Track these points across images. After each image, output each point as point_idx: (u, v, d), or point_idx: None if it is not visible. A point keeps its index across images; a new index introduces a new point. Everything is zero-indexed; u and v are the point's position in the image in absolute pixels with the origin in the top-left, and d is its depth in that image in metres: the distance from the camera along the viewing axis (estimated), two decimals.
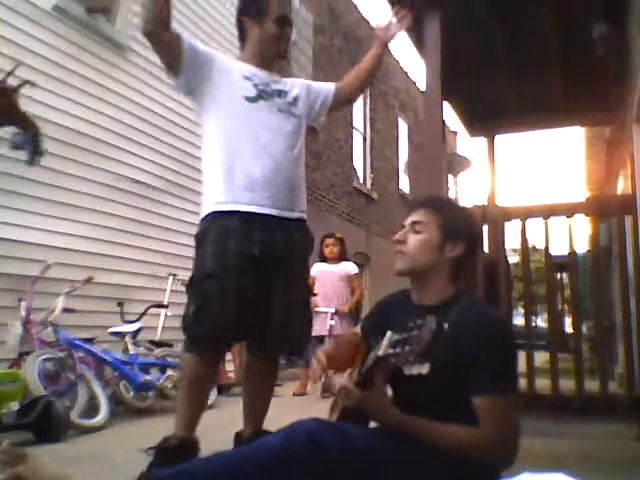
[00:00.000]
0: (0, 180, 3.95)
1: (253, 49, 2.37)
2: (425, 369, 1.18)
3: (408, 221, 1.57)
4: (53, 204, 4.34)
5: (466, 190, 39.40)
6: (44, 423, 2.97)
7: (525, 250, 3.44)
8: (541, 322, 13.50)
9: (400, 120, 13.34)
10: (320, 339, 5.05)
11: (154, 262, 5.24)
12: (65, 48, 4.57)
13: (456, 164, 15.37)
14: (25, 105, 3.19)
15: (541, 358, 4.73)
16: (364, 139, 11.47)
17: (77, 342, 3.71)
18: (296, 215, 2.28)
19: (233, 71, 2.30)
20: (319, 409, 1.62)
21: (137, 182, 5.16)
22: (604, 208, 3.36)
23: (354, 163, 10.87)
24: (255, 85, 2.28)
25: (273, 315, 2.17)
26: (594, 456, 2.60)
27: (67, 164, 4.45)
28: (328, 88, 2.53)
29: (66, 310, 3.77)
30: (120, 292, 4.72)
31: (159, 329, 4.82)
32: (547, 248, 3.40)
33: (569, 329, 10.80)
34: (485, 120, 5.47)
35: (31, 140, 2.58)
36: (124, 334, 4.22)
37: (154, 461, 2.00)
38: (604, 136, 7.98)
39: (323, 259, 5.51)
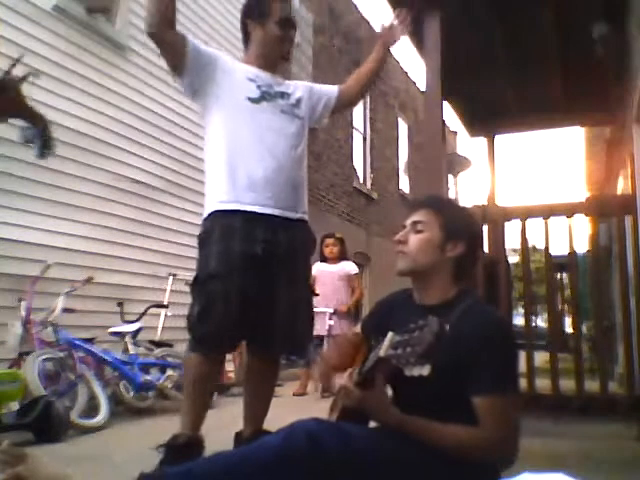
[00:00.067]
0: (0, 180, 3.95)
1: (256, 51, 2.38)
2: (426, 370, 1.18)
3: (409, 221, 1.57)
4: (53, 204, 4.34)
5: (466, 190, 39.42)
6: (44, 423, 2.97)
7: (525, 250, 3.44)
8: (541, 322, 13.50)
9: (400, 120, 13.35)
10: (319, 339, 5.06)
11: (154, 262, 5.24)
12: (65, 48, 4.57)
13: (456, 164, 15.37)
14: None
15: (541, 358, 4.73)
16: (364, 139, 11.47)
17: (77, 342, 3.71)
18: (298, 215, 2.29)
19: (237, 72, 2.31)
20: (319, 409, 1.62)
21: (137, 182, 5.16)
22: (604, 208, 3.36)
23: (354, 163, 10.87)
24: (258, 86, 2.29)
25: (276, 315, 2.18)
26: (594, 456, 2.60)
27: (67, 164, 4.45)
28: (331, 91, 2.54)
29: (66, 310, 3.77)
30: (120, 292, 4.71)
31: (159, 329, 4.82)
32: (547, 248, 3.40)
33: (569, 329, 10.79)
34: (485, 120, 5.47)
35: (40, 134, 2.56)
36: (124, 334, 4.22)
37: (164, 458, 2.02)
38: (604, 136, 7.98)
39: (323, 259, 5.51)
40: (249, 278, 2.10)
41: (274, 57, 2.40)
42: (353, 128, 10.83)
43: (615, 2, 3.69)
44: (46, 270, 3.96)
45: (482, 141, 5.78)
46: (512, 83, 4.72)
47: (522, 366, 2.27)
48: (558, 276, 11.84)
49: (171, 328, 4.83)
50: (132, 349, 4.17)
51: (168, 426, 2.18)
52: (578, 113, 5.45)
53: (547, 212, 3.23)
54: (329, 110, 2.52)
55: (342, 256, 5.58)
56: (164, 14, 2.10)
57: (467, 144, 46.13)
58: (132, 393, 4.02)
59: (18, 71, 2.87)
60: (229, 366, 5.45)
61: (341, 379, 1.45)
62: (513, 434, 1.37)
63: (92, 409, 3.50)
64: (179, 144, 5.70)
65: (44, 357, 3.40)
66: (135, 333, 4.28)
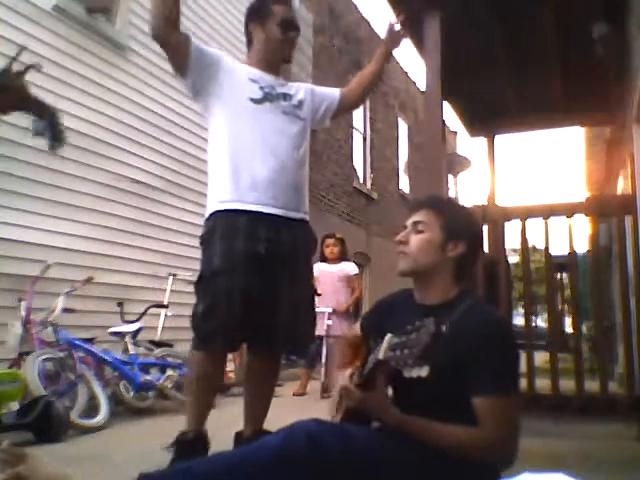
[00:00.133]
0: (0, 180, 3.95)
1: (258, 53, 2.39)
2: (424, 372, 1.18)
3: (410, 221, 1.58)
4: (53, 204, 4.34)
5: (466, 190, 39.43)
6: (44, 423, 2.97)
7: (525, 250, 3.44)
8: (541, 322, 13.49)
9: (400, 120, 13.35)
10: (318, 339, 5.05)
11: (154, 262, 5.24)
12: (65, 48, 4.57)
13: (456, 164, 15.37)
14: None
15: (541, 358, 4.73)
16: (364, 139, 11.47)
17: (77, 342, 3.71)
18: (300, 215, 2.30)
19: (239, 73, 2.32)
20: (319, 409, 1.62)
21: (137, 182, 5.16)
22: (604, 208, 3.36)
23: (354, 163, 10.87)
24: (261, 88, 2.30)
25: (278, 314, 2.18)
26: (594, 456, 2.60)
27: (67, 164, 4.44)
28: (333, 94, 2.55)
29: (66, 310, 3.76)
30: (120, 292, 4.71)
31: (159, 329, 4.82)
32: (547, 248, 3.41)
33: (569, 329, 10.79)
34: (485, 120, 5.47)
35: (50, 126, 2.54)
36: (124, 334, 4.22)
37: (176, 455, 2.05)
38: (604, 136, 7.98)
39: (323, 259, 5.51)
40: (252, 277, 2.11)
41: (276, 59, 2.40)
42: (353, 128, 10.83)
43: (615, 2, 3.70)
44: (46, 270, 3.96)
45: (482, 141, 5.78)
46: (512, 83, 4.72)
47: (522, 366, 2.27)
48: (558, 276, 11.84)
49: (171, 328, 4.83)
50: (132, 349, 4.17)
51: (168, 426, 2.19)
52: (578, 113, 5.45)
53: (547, 212, 3.24)
54: (331, 113, 2.54)
55: (342, 256, 5.58)
56: (168, 16, 2.11)
57: (467, 144, 46.14)
58: (132, 393, 4.02)
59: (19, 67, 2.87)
60: (229, 366, 5.45)
61: (340, 379, 1.45)
62: (513, 434, 1.37)
63: (92, 409, 3.49)
64: (179, 144, 5.70)
65: (44, 357, 3.40)
66: (135, 333, 4.28)
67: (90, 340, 3.93)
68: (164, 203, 5.46)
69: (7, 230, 3.95)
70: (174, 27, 2.14)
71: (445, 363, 1.30)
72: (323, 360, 5.32)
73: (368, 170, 11.47)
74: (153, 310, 4.56)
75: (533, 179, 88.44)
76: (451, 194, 15.17)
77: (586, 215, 3.40)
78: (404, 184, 13.31)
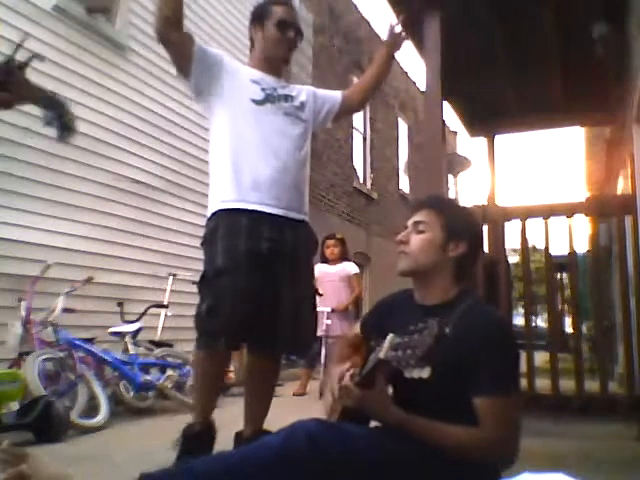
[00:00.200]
0: (0, 180, 3.95)
1: (259, 55, 2.40)
2: (426, 373, 1.18)
3: (410, 221, 1.58)
4: (53, 204, 4.34)
5: (466, 190, 39.42)
6: (44, 423, 2.97)
7: (525, 250, 3.44)
8: (541, 322, 13.49)
9: (400, 120, 13.35)
10: (318, 339, 5.05)
11: (154, 262, 5.24)
12: (65, 48, 4.57)
13: (456, 164, 15.37)
14: None
15: (541, 358, 4.73)
16: (364, 139, 11.47)
17: (77, 342, 3.71)
18: (301, 216, 2.30)
19: (241, 74, 2.33)
20: (319, 409, 1.62)
21: (137, 182, 5.16)
22: (604, 208, 3.36)
23: (354, 163, 10.87)
24: (263, 89, 2.30)
25: (279, 314, 2.18)
26: (594, 456, 2.60)
27: (67, 164, 4.45)
28: (335, 96, 2.55)
29: (66, 310, 3.76)
30: (120, 292, 4.71)
31: (159, 329, 4.82)
32: (547, 248, 3.41)
33: (569, 329, 10.79)
34: (485, 120, 5.47)
35: (59, 116, 2.53)
36: (124, 334, 4.22)
37: (183, 448, 2.07)
38: (604, 136, 7.98)
39: (324, 260, 5.51)
40: (255, 276, 2.11)
41: (276, 60, 2.41)
42: (353, 128, 10.83)
43: (615, 2, 3.70)
44: (46, 270, 3.96)
45: (482, 141, 5.78)
46: (512, 83, 4.72)
47: (522, 366, 2.28)
48: (558, 276, 11.84)
49: (171, 328, 4.83)
50: (132, 349, 4.17)
51: (168, 426, 2.19)
52: (578, 113, 5.45)
53: (547, 212, 3.24)
54: (332, 115, 2.54)
55: (343, 257, 5.58)
56: (172, 17, 2.12)
57: (467, 144, 46.14)
58: (132, 393, 4.02)
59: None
60: (229, 366, 5.45)
61: (337, 380, 1.45)
62: (513, 434, 1.37)
63: (92, 409, 3.49)
64: (179, 144, 5.70)
65: (44, 357, 3.40)
66: (135, 333, 4.28)
67: (90, 340, 3.93)
68: (164, 203, 5.46)
69: (7, 230, 3.96)
70: (177, 28, 2.15)
71: (446, 363, 1.30)
72: (323, 360, 5.33)
73: (368, 170, 11.47)
74: (153, 310, 4.56)
75: (533, 179, 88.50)
76: (451, 194, 15.17)
77: (586, 215, 3.40)
78: (404, 184, 13.31)
